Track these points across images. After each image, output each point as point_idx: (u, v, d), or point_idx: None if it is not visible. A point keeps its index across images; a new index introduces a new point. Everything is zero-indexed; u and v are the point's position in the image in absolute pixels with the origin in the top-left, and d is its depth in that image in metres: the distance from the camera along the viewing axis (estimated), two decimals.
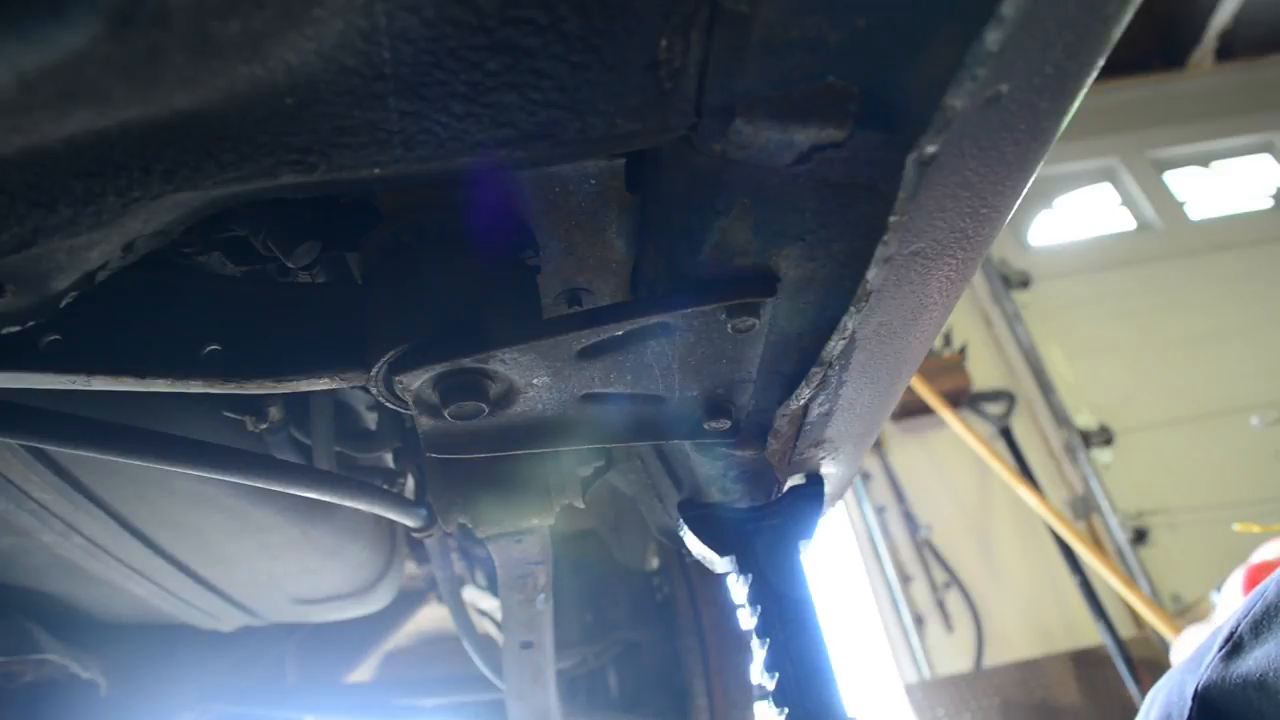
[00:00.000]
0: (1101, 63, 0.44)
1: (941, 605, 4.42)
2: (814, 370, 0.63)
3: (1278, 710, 0.61)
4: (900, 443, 4.86)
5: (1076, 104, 0.46)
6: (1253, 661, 0.64)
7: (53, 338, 0.56)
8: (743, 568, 0.78)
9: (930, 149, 0.43)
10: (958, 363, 4.78)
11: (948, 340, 4.97)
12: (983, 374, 4.98)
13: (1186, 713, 0.69)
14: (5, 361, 0.55)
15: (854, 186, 0.49)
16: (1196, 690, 0.69)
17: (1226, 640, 0.68)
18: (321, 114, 0.41)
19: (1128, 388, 5.05)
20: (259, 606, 1.35)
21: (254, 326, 0.62)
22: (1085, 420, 4.93)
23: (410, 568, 1.73)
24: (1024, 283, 5.43)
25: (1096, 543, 4.32)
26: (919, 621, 4.40)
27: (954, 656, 4.28)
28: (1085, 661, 4.09)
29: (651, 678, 1.66)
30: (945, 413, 4.23)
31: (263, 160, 0.42)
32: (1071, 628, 4.27)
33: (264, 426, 0.94)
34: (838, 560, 4.68)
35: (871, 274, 0.52)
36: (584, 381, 0.62)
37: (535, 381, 0.60)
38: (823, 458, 0.77)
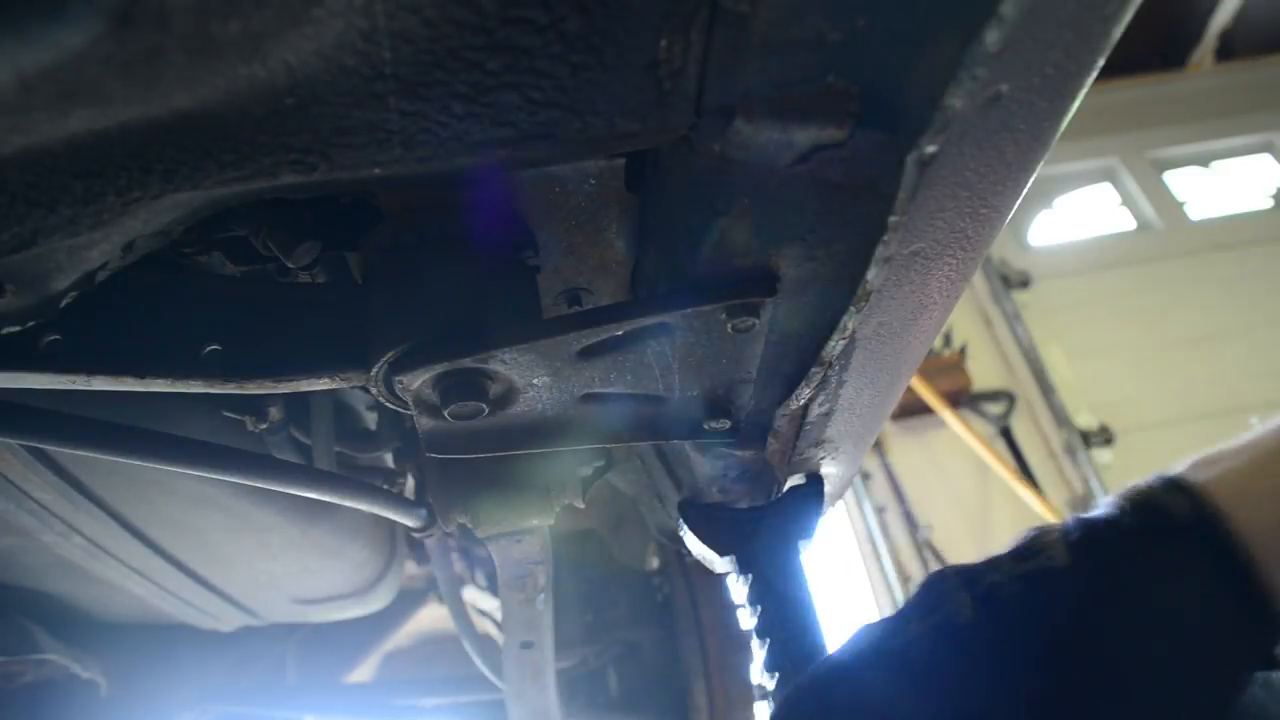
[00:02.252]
0: (1101, 63, 0.44)
1: None
2: (814, 370, 0.63)
3: None
4: (900, 443, 4.86)
5: (1076, 104, 0.46)
6: None
7: (53, 338, 0.56)
8: (743, 568, 0.78)
9: (930, 149, 0.43)
10: (957, 363, 4.78)
11: (948, 340, 4.97)
12: (983, 374, 4.98)
13: None
14: (5, 361, 0.55)
15: (854, 186, 0.49)
16: None
17: None
18: (321, 114, 0.41)
19: (1128, 388, 5.05)
20: (259, 606, 1.35)
21: (254, 326, 0.62)
22: (1085, 420, 4.93)
23: (410, 568, 1.73)
24: (1024, 283, 5.43)
25: None
26: None
27: None
28: None
29: (651, 678, 1.66)
30: (945, 413, 4.22)
31: (263, 160, 0.42)
32: None
33: (264, 426, 0.94)
34: (838, 560, 4.68)
35: (871, 274, 0.52)
36: (584, 381, 0.62)
37: (535, 381, 0.60)
38: (823, 458, 0.77)
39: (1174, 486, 0.51)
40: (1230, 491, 0.50)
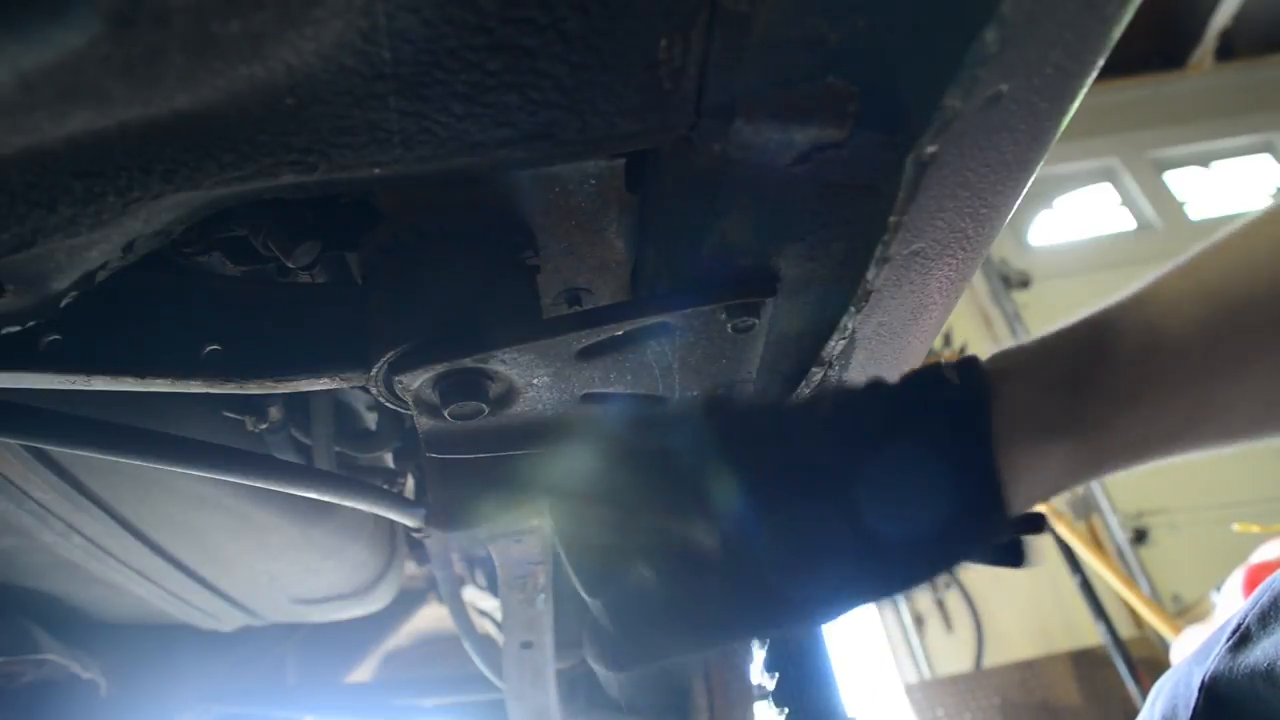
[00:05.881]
0: (1101, 63, 0.44)
1: (941, 605, 4.42)
2: (814, 370, 0.63)
3: None
4: None
5: (1076, 104, 0.46)
6: (1260, 652, 0.64)
7: (53, 338, 0.56)
8: None
9: (930, 149, 0.43)
10: None
11: (948, 340, 4.97)
12: None
13: (1193, 704, 0.69)
14: (5, 361, 0.55)
15: (854, 186, 0.49)
16: (1203, 682, 0.68)
17: (1234, 632, 0.68)
18: (321, 114, 0.41)
19: None
20: (259, 606, 1.35)
21: (254, 326, 0.62)
22: None
23: (410, 568, 1.73)
24: (1024, 283, 5.43)
25: (1096, 543, 4.32)
26: (919, 621, 4.40)
27: (954, 656, 4.28)
28: (1085, 661, 4.09)
29: (651, 678, 1.66)
30: None
31: (263, 160, 0.42)
32: (1071, 628, 4.26)
33: (264, 426, 0.94)
34: None
35: (871, 274, 0.52)
36: (584, 381, 0.62)
37: (535, 381, 0.60)
38: None
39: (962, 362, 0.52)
40: (1006, 363, 0.52)
